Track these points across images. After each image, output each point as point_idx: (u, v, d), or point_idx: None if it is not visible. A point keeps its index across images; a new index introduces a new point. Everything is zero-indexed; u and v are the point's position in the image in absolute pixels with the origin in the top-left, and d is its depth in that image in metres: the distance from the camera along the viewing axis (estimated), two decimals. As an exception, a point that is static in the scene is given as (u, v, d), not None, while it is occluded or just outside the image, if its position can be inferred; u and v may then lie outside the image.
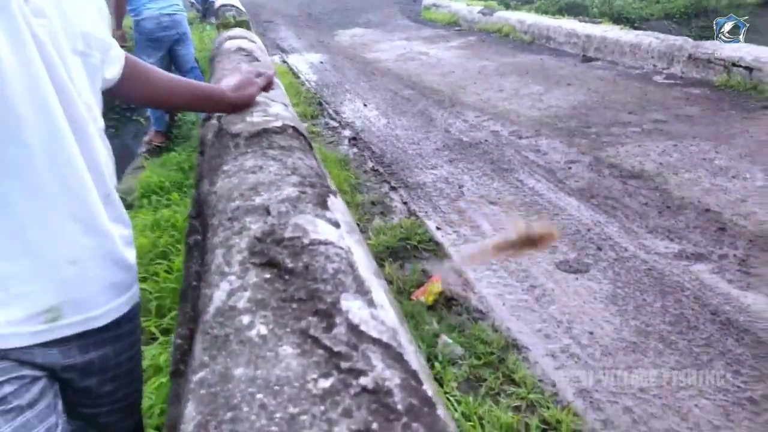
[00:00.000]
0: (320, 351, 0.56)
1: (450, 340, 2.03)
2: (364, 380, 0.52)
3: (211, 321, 0.66)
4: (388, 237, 2.84)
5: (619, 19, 8.54)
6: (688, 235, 2.79)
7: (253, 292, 0.67)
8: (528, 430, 1.74)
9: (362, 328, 0.58)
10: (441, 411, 0.53)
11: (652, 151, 3.81)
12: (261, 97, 1.49)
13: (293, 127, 1.32)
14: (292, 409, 0.49)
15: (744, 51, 5.02)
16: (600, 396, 1.90)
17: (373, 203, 3.33)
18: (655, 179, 3.41)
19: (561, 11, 9.15)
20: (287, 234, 0.75)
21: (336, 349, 0.55)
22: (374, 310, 0.63)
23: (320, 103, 5.51)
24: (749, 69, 4.87)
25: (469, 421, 1.73)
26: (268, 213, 0.85)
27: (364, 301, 0.64)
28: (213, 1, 7.70)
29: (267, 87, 1.40)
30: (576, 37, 7.12)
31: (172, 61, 4.33)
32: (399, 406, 0.50)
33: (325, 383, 0.52)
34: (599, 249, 2.74)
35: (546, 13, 8.87)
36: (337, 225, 0.84)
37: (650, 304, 2.34)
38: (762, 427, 1.74)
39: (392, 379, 0.53)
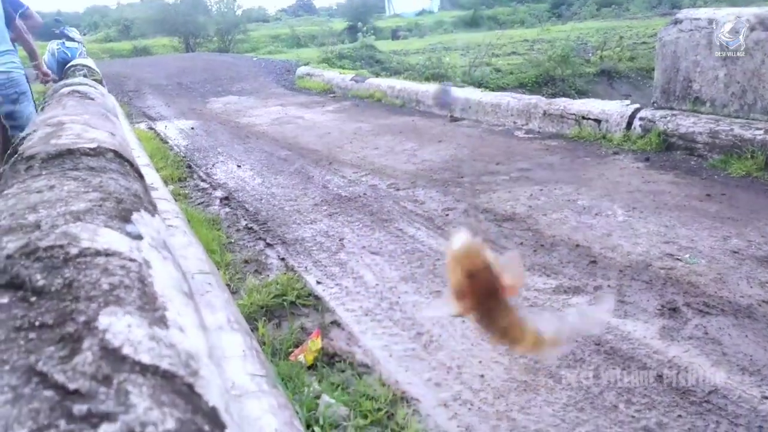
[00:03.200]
0: (48, 392, 0.34)
1: (332, 400, 1.80)
2: (107, 429, 0.31)
3: None
4: (263, 295, 2.58)
5: (480, 86, 9.21)
6: (563, 270, 2.83)
7: (-27, 324, 0.43)
8: (424, 494, 1.53)
9: (125, 351, 0.38)
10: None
11: (522, 196, 3.94)
12: (79, 124, 1.26)
13: (114, 151, 1.09)
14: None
15: (591, 105, 5.52)
16: (497, 443, 1.75)
17: (246, 262, 3.06)
18: (527, 221, 3.49)
19: (427, 80, 9.71)
20: (45, 243, 0.53)
21: (72, 385, 0.34)
22: (160, 331, 0.43)
23: (189, 166, 5.19)
24: (597, 121, 5.34)
25: (357, 492, 1.49)
26: (38, 228, 0.62)
27: (144, 319, 0.43)
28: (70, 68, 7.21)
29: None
30: (444, 100, 7.50)
31: (7, 121, 3.87)
32: (162, 465, 0.29)
33: (36, 443, 0.30)
34: (482, 290, 2.68)
35: (414, 80, 9.34)
36: (137, 237, 0.63)
37: (536, 340, 2.28)
38: (658, 454, 1.68)
39: (162, 422, 0.32)
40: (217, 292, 2.14)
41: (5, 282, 0.49)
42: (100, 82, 3.89)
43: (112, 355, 0.37)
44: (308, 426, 1.70)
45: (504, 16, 30.16)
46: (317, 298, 2.65)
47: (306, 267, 3.00)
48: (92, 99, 1.86)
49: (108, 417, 0.32)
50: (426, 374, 2.09)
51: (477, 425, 1.82)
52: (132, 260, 0.55)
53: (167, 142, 6.38)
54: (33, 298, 0.47)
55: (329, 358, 2.14)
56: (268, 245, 3.30)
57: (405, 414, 1.82)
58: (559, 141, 5.48)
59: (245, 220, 3.75)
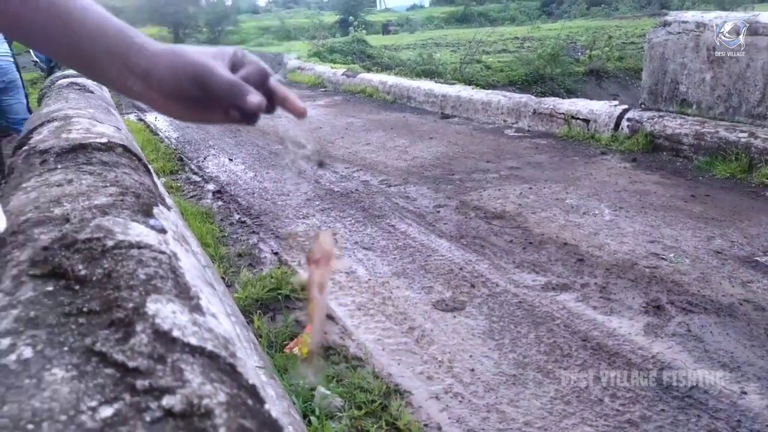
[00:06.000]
0: (108, 370, 0.38)
1: (327, 392, 1.84)
2: (169, 401, 0.35)
3: (-47, 354, 0.45)
4: (257, 289, 2.62)
5: (470, 83, 9.27)
6: (552, 268, 2.90)
7: (24, 310, 0.47)
8: (416, 482, 1.58)
9: (175, 334, 0.42)
10: (292, 439, 0.38)
11: (511, 194, 4.00)
12: (85, 119, 1.28)
13: (123, 146, 1.13)
14: (44, 457, 0.31)
15: (580, 105, 5.60)
16: (486, 434, 1.81)
17: (240, 255, 3.09)
18: (516, 219, 3.56)
19: (418, 76, 9.74)
20: (83, 236, 0.57)
21: (131, 364, 0.38)
22: (198, 317, 0.47)
23: (181, 159, 5.19)
24: (586, 121, 5.42)
25: (352, 480, 1.54)
26: (67, 221, 0.65)
27: (184, 306, 0.47)
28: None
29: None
30: (434, 97, 7.55)
31: None
32: (221, 432, 0.34)
33: (108, 411, 0.34)
34: (472, 286, 2.74)
35: (405, 77, 9.38)
36: (162, 231, 0.67)
37: (525, 335, 2.34)
38: (641, 445, 1.75)
39: (215, 395, 0.36)
40: (215, 285, 2.17)
41: (48, 271, 0.53)
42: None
43: (163, 337, 0.41)
44: (305, 416, 1.74)
45: (495, 12, 30.25)
46: (310, 291, 2.68)
47: (299, 261, 3.03)
48: (92, 92, 1.88)
49: (168, 390, 0.36)
50: (418, 367, 2.14)
51: (468, 417, 1.88)
52: (162, 252, 0.59)
53: (158, 134, 6.36)
54: (77, 287, 0.50)
55: (324, 351, 2.19)
56: (261, 239, 3.33)
57: (398, 405, 1.87)
58: (549, 140, 5.55)
59: (238, 213, 3.77)
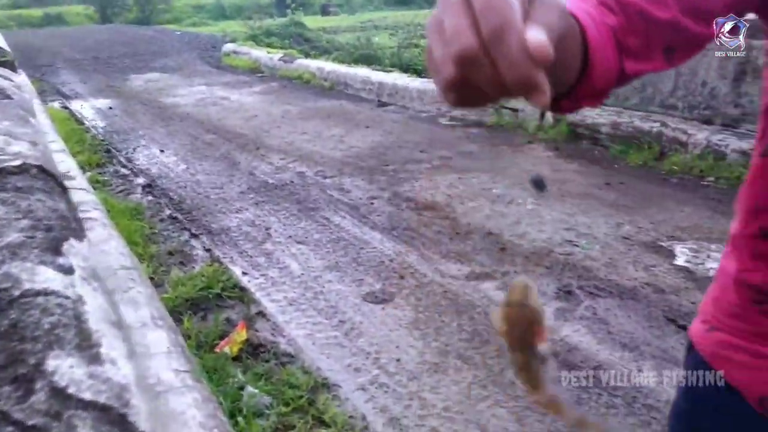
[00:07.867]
0: (9, 428, 0.45)
1: (256, 390, 1.92)
2: (61, 455, 0.42)
3: None
4: (188, 288, 2.64)
5: (408, 69, 9.36)
6: (476, 257, 3.06)
7: (-68, 367, 0.52)
8: (341, 471, 1.69)
9: (71, 390, 0.48)
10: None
11: (442, 184, 4.15)
12: (0, 135, 1.28)
13: (38, 167, 1.14)
14: None
15: (508, 95, 5.81)
16: (408, 422, 1.93)
17: (170, 253, 3.08)
18: (445, 209, 3.70)
19: (356, 61, 9.73)
20: (-10, 289, 0.62)
21: (30, 422, 0.45)
22: (96, 368, 0.53)
23: (108, 151, 5.04)
24: (515, 110, 5.63)
25: (279, 473, 1.63)
26: (-24, 267, 0.69)
27: (83, 359, 0.54)
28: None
29: None
30: (371, 84, 7.60)
31: None
32: (105, 478, 0.41)
33: (7, 468, 0.41)
34: (402, 277, 2.86)
35: (343, 62, 9.35)
36: (69, 271, 0.72)
37: (448, 324, 2.48)
38: (550, 427, 1.92)
39: (103, 446, 0.44)
40: (141, 288, 2.18)
41: (-45, 326, 0.58)
42: (13, 65, 3.70)
43: (60, 394, 0.47)
44: (232, 416, 1.81)
45: (434, -5, 30.24)
46: (243, 289, 2.73)
47: (232, 258, 3.07)
48: (10, 97, 1.84)
49: (61, 445, 0.43)
50: (346, 360, 2.24)
51: (391, 406, 2.00)
52: (67, 297, 0.64)
53: (83, 124, 6.12)
54: (-17, 341, 0.56)
55: (254, 349, 2.25)
56: (194, 236, 3.33)
57: (325, 399, 1.97)
58: (480, 129, 5.74)
59: (169, 209, 3.74)
